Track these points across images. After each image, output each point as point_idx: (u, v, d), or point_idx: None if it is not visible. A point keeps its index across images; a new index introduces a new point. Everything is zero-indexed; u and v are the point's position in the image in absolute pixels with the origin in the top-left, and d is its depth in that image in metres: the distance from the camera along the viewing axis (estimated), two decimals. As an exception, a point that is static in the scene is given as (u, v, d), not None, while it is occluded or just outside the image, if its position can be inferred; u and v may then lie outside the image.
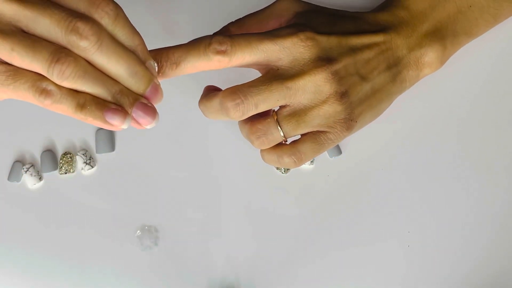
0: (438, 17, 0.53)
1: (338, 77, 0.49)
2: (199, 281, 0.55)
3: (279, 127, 0.50)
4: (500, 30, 0.58)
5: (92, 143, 0.57)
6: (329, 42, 0.50)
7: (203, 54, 0.48)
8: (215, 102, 0.50)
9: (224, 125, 0.57)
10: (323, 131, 0.50)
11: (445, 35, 0.53)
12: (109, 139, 0.57)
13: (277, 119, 0.50)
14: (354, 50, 0.51)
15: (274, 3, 0.53)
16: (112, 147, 0.57)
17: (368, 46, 0.51)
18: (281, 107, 0.50)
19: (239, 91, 0.48)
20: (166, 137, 0.57)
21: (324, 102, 0.49)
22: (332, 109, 0.49)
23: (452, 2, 0.54)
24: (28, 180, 0.56)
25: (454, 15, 0.54)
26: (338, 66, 0.49)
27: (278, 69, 0.49)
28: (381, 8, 0.55)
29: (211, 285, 0.55)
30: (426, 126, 0.57)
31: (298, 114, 0.49)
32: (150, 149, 0.57)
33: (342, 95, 0.49)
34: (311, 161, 0.57)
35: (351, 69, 0.50)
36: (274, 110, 0.50)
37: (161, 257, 0.56)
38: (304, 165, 0.57)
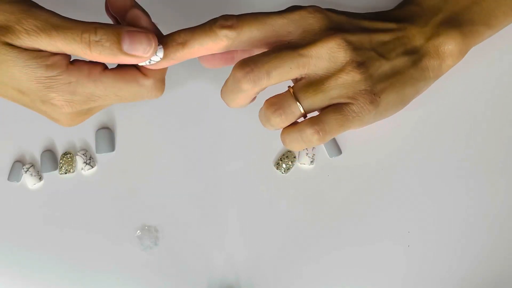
0: (452, 8, 0.52)
1: (352, 47, 0.48)
2: (199, 281, 0.55)
3: (296, 100, 0.47)
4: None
5: (92, 143, 0.57)
6: (339, 18, 0.49)
7: (209, 31, 0.46)
8: (229, 79, 0.48)
9: (224, 125, 0.57)
10: (345, 103, 0.48)
11: (461, 23, 0.52)
12: (109, 139, 0.57)
13: (293, 92, 0.48)
14: (368, 30, 0.50)
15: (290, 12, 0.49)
16: (112, 147, 0.57)
17: (383, 30, 0.50)
18: (297, 80, 0.48)
19: (249, 60, 0.47)
20: (166, 137, 0.57)
21: (341, 70, 0.47)
22: (350, 78, 0.47)
23: None
24: (28, 180, 0.57)
25: (469, 5, 0.52)
26: (351, 37, 0.48)
27: (288, 42, 0.47)
28: (393, 8, 0.54)
29: (211, 285, 0.55)
30: (426, 126, 0.57)
31: (315, 84, 0.47)
32: (150, 149, 0.57)
33: (360, 65, 0.48)
34: (311, 161, 0.57)
35: (367, 44, 0.49)
36: (289, 86, 0.49)
37: (161, 257, 0.56)
38: (304, 165, 0.57)
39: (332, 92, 0.47)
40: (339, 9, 0.52)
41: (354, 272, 0.56)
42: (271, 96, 0.49)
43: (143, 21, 0.46)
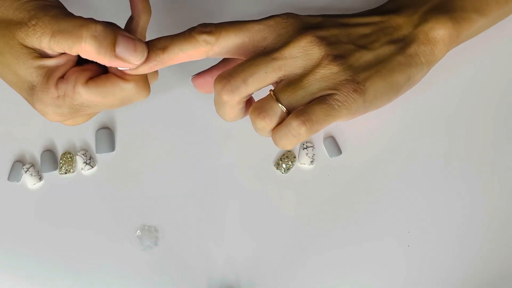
0: None
1: (326, 42, 0.49)
2: (199, 281, 0.55)
3: (277, 100, 0.48)
4: (502, 29, 0.58)
5: (92, 143, 0.57)
6: (314, 19, 0.51)
7: (188, 36, 0.48)
8: (214, 95, 0.50)
9: (224, 126, 0.57)
10: (328, 94, 0.48)
11: (451, 8, 0.52)
12: (109, 139, 0.57)
13: (274, 94, 0.49)
14: (346, 25, 0.51)
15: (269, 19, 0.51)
16: (112, 147, 0.57)
17: (363, 24, 0.51)
18: (274, 85, 0.49)
19: (225, 72, 0.48)
20: (166, 137, 0.57)
21: (317, 65, 0.48)
22: (328, 71, 0.48)
23: None
24: (28, 180, 0.56)
25: None
26: (324, 33, 0.49)
27: (264, 48, 0.49)
28: (385, 2, 0.54)
29: (211, 285, 0.55)
30: (427, 126, 0.57)
31: (293, 83, 0.48)
32: (150, 149, 0.57)
33: (336, 57, 0.48)
34: (311, 161, 0.57)
35: (343, 38, 0.50)
36: (271, 89, 0.50)
37: (161, 257, 0.56)
38: (304, 165, 0.57)
39: (312, 87, 0.48)
40: (325, 13, 0.53)
41: (354, 272, 0.56)
42: None
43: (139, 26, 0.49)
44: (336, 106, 0.48)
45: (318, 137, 0.58)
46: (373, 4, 0.56)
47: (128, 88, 0.48)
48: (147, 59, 0.47)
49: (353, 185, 0.57)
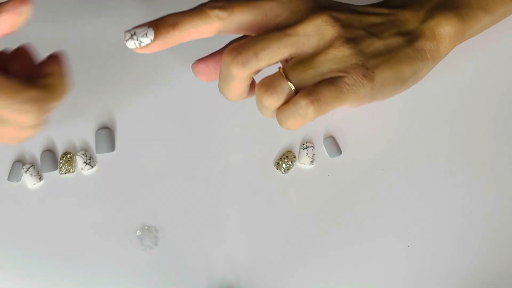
0: None
1: (341, 23, 0.48)
2: (199, 281, 0.55)
3: (286, 78, 0.47)
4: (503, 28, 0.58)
5: (92, 143, 0.57)
6: (328, 1, 0.50)
7: (200, 12, 0.46)
8: (221, 68, 0.48)
9: (224, 126, 0.57)
10: (338, 76, 0.48)
11: (458, 5, 0.52)
12: (109, 139, 0.57)
13: (283, 71, 0.48)
14: (358, 12, 0.50)
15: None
16: (112, 147, 0.57)
17: (374, 13, 0.51)
18: (284, 62, 0.49)
19: (237, 44, 0.47)
20: (166, 138, 0.57)
21: (330, 46, 0.48)
22: (340, 53, 0.47)
23: None
24: (28, 180, 0.56)
25: None
26: (340, 15, 0.48)
27: (277, 25, 0.48)
28: None
29: (211, 285, 0.55)
30: (427, 126, 0.57)
31: (304, 61, 0.48)
32: (150, 149, 0.57)
33: (349, 40, 0.48)
34: (311, 161, 0.57)
35: (356, 24, 0.49)
36: (280, 66, 0.49)
37: (161, 257, 0.56)
38: (304, 165, 0.57)
39: (323, 68, 0.47)
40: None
41: (354, 272, 0.56)
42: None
43: None
44: (344, 90, 0.47)
45: (318, 137, 0.58)
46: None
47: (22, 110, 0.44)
48: (157, 35, 0.46)
49: (353, 185, 0.57)
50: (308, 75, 0.47)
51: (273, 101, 0.47)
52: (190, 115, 0.57)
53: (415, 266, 0.56)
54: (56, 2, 0.59)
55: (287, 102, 0.48)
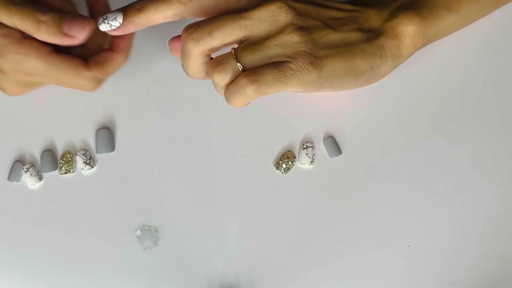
0: None
1: (296, 11, 0.50)
2: (199, 281, 0.55)
3: (236, 58, 0.50)
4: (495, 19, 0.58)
5: (92, 143, 0.57)
6: None
7: None
8: (181, 43, 0.51)
9: (224, 126, 0.57)
10: (283, 61, 0.49)
11: (420, 6, 0.53)
12: (109, 139, 0.57)
13: (234, 52, 0.50)
14: (319, 5, 0.52)
15: None
16: (112, 147, 0.57)
17: (335, 8, 0.52)
18: (239, 43, 0.51)
19: (194, 23, 0.50)
20: (166, 138, 0.57)
21: (281, 31, 0.50)
22: (289, 39, 0.49)
23: None
24: (28, 180, 0.57)
25: None
26: (296, 4, 0.50)
27: (238, 9, 0.50)
28: None
29: (211, 285, 0.55)
30: (427, 126, 0.57)
31: (254, 44, 0.50)
32: (150, 149, 0.57)
33: (300, 28, 0.50)
34: (311, 161, 0.57)
35: (313, 14, 0.51)
36: (233, 47, 0.51)
37: (161, 257, 0.56)
38: (304, 165, 0.57)
39: (271, 51, 0.49)
40: None
41: (353, 272, 0.56)
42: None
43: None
44: (287, 74, 0.49)
45: (318, 137, 0.58)
46: None
47: (84, 75, 0.51)
48: (125, 20, 0.50)
49: (353, 185, 0.57)
50: (256, 57, 0.49)
51: (221, 78, 0.50)
52: (190, 116, 0.57)
53: (415, 266, 0.56)
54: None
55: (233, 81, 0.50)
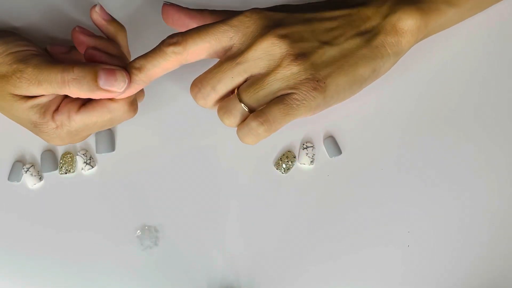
0: None
1: (289, 40, 0.50)
2: (199, 281, 0.55)
3: (240, 100, 0.51)
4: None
5: (92, 143, 0.57)
6: (277, 15, 0.52)
7: (159, 51, 0.50)
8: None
9: (224, 125, 0.57)
10: (288, 93, 0.50)
11: (420, 0, 0.52)
12: (109, 139, 0.57)
13: (237, 93, 0.51)
14: (311, 20, 0.52)
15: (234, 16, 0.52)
16: (112, 147, 0.57)
17: (329, 18, 0.52)
18: (244, 82, 0.51)
19: (196, 80, 0.51)
20: (166, 137, 0.57)
21: (278, 66, 0.50)
22: (288, 71, 0.50)
23: None
24: (28, 180, 0.57)
25: None
26: (287, 30, 0.50)
27: (231, 48, 0.51)
28: None
29: (211, 285, 0.55)
30: (427, 126, 0.57)
31: (256, 83, 0.50)
32: (150, 149, 0.57)
33: (297, 56, 0.50)
34: (311, 161, 0.57)
35: (308, 35, 0.51)
36: (237, 88, 0.51)
37: (161, 257, 0.56)
38: (304, 165, 0.57)
39: (273, 87, 0.50)
40: (292, 3, 0.54)
41: (353, 272, 0.56)
42: None
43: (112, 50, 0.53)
44: (294, 105, 0.50)
45: (318, 137, 0.58)
46: None
47: (116, 109, 0.51)
48: (129, 81, 0.50)
49: (353, 185, 0.57)
50: (260, 96, 0.50)
51: (230, 122, 0.51)
52: (190, 115, 0.57)
53: (415, 266, 0.56)
54: (56, 8, 0.59)
55: (243, 121, 0.51)
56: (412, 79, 0.57)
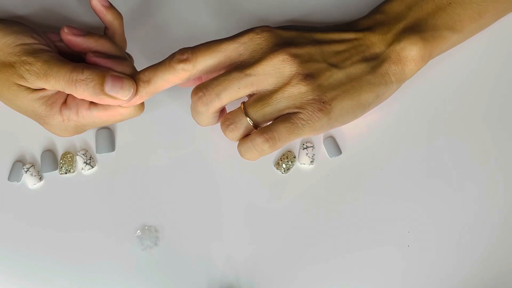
0: (416, 15, 0.54)
1: (299, 60, 0.50)
2: (199, 281, 0.55)
3: (245, 114, 0.51)
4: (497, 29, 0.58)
5: (92, 143, 0.57)
6: (289, 33, 0.52)
7: (168, 67, 0.50)
8: (191, 101, 0.52)
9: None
10: (294, 112, 0.50)
11: (423, 29, 0.53)
12: (109, 139, 0.57)
13: (244, 107, 0.51)
14: (320, 42, 0.52)
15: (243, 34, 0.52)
16: (112, 147, 0.57)
17: (338, 41, 0.52)
18: (249, 96, 0.51)
19: (201, 85, 0.51)
20: (166, 137, 0.57)
21: (287, 84, 0.50)
22: (296, 90, 0.50)
23: (431, 1, 0.54)
24: (28, 180, 0.57)
25: (433, 11, 0.54)
26: (298, 50, 0.51)
27: (241, 63, 0.51)
28: (359, 18, 0.56)
29: (211, 285, 0.55)
30: (426, 126, 0.57)
31: (263, 99, 0.51)
32: (150, 149, 0.57)
33: (306, 76, 0.50)
34: (311, 161, 0.57)
35: (317, 57, 0.51)
36: (243, 102, 0.52)
37: (161, 257, 0.56)
38: (304, 165, 0.57)
39: (280, 105, 0.50)
40: (307, 25, 0.54)
41: (353, 272, 0.56)
42: None
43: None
44: (300, 125, 0.50)
45: (318, 137, 0.58)
46: (347, 18, 0.57)
47: (124, 111, 0.51)
48: (136, 92, 0.50)
49: (353, 185, 0.57)
50: (266, 112, 0.51)
51: (234, 135, 0.51)
52: (190, 115, 0.57)
53: (414, 266, 0.56)
54: (59, 14, 0.59)
55: (247, 135, 0.51)
56: (412, 80, 0.57)
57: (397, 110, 0.58)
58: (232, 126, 0.51)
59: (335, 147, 0.57)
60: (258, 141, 0.50)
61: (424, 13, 0.53)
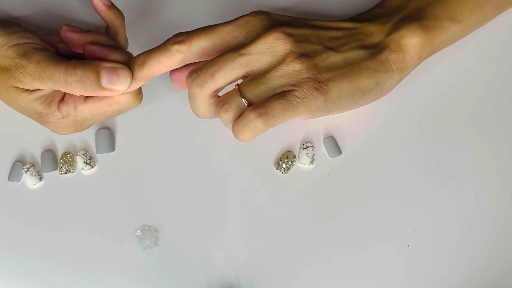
0: (415, 5, 0.53)
1: (294, 39, 0.50)
2: (199, 281, 0.55)
3: (240, 94, 0.50)
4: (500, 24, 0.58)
5: (92, 143, 0.57)
6: (283, 17, 0.52)
7: (163, 49, 0.50)
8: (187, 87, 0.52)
9: (224, 125, 0.57)
10: (289, 90, 0.50)
11: (423, 17, 0.53)
12: (109, 139, 0.57)
13: (238, 88, 0.51)
14: (317, 27, 0.52)
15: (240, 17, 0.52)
16: (112, 147, 0.57)
17: (335, 28, 0.52)
18: (245, 77, 0.51)
19: (196, 67, 0.51)
20: (166, 137, 0.57)
21: (281, 62, 0.50)
22: (291, 68, 0.50)
23: None
24: (28, 180, 0.57)
25: (433, 1, 0.53)
26: (293, 30, 0.51)
27: (235, 45, 0.51)
28: (360, 13, 0.56)
29: (211, 285, 0.55)
30: (426, 126, 0.57)
31: (257, 78, 0.50)
32: (150, 149, 0.57)
33: (301, 55, 0.50)
34: (311, 161, 0.57)
35: (313, 39, 0.51)
36: (237, 83, 0.51)
37: (161, 257, 0.56)
38: (304, 165, 0.57)
39: (274, 83, 0.50)
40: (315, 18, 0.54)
41: (353, 272, 0.56)
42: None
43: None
44: (294, 102, 0.49)
45: (318, 137, 0.58)
46: (349, 14, 0.57)
47: (122, 99, 0.51)
48: (132, 76, 0.50)
49: (353, 185, 0.57)
50: (261, 90, 0.50)
51: (228, 115, 0.51)
52: (190, 115, 0.57)
53: (414, 266, 0.56)
54: (60, 14, 0.59)
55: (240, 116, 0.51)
56: (412, 80, 0.57)
57: (397, 110, 0.58)
58: (226, 106, 0.51)
59: (335, 147, 0.57)
60: (251, 117, 0.49)
61: (424, 3, 0.53)
